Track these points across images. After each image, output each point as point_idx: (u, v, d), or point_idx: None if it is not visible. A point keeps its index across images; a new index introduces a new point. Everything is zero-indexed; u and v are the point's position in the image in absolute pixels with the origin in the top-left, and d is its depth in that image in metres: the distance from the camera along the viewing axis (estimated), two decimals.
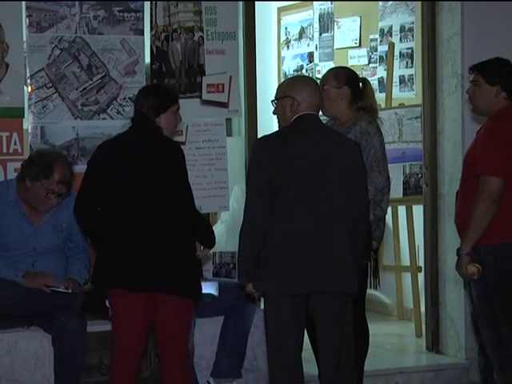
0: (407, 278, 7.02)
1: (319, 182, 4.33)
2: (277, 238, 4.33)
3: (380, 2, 6.99)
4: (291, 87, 4.47)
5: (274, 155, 4.35)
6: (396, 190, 6.01)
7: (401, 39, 6.87)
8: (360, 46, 7.34)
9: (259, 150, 4.41)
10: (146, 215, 4.49)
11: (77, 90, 5.60)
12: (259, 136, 5.84)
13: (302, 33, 7.87)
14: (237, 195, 6.01)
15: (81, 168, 5.31)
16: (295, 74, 7.86)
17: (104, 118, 5.66)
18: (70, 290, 5.05)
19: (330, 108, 5.05)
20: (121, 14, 5.65)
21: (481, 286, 4.76)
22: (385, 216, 5.15)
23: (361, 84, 5.25)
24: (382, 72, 7.07)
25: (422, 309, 6.52)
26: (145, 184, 4.50)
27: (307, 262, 4.31)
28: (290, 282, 4.33)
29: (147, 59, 5.75)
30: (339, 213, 4.34)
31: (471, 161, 4.77)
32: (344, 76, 5.16)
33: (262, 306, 5.46)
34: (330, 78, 5.11)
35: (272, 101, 4.54)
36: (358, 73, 5.45)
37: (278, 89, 4.59)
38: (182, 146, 4.90)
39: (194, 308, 4.67)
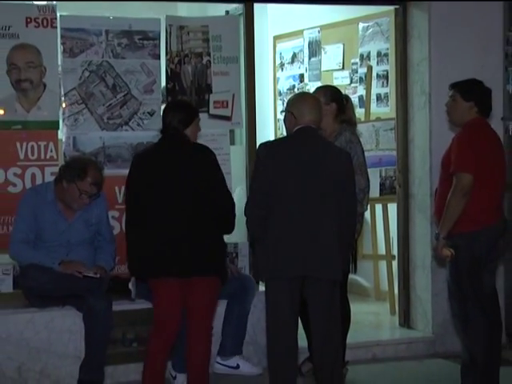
0: (383, 264, 6.99)
1: (312, 183, 4.33)
2: (275, 232, 4.34)
3: (360, 31, 6.97)
4: (293, 104, 4.49)
5: (274, 158, 4.38)
6: (374, 191, 5.99)
7: (377, 63, 6.84)
8: (343, 68, 7.29)
9: (263, 152, 4.44)
10: (184, 211, 4.45)
11: (103, 105, 5.59)
12: (257, 145, 5.88)
13: (294, 57, 7.84)
14: (239, 195, 6.00)
15: (107, 172, 5.35)
16: (289, 92, 7.84)
17: (126, 130, 5.64)
18: (98, 275, 5.05)
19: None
20: (141, 41, 5.64)
21: (454, 267, 4.80)
22: (363, 212, 5.17)
23: (344, 100, 5.26)
24: (361, 91, 7.04)
25: (396, 291, 6.49)
26: (185, 184, 4.46)
27: (300, 252, 4.32)
28: (286, 269, 4.34)
29: (163, 80, 5.74)
30: (329, 210, 4.34)
31: (447, 162, 4.81)
32: (331, 94, 5.16)
33: (261, 290, 5.51)
34: (319, 96, 5.06)
35: (281, 111, 4.56)
36: (341, 91, 5.46)
37: (286, 103, 4.61)
38: None
39: (220, 287, 4.63)
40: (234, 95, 5.82)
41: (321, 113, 4.52)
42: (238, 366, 5.37)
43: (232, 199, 4.70)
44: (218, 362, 5.34)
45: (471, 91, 4.82)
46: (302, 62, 7.73)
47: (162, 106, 5.70)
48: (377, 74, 6.88)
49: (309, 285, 4.37)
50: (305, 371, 5.24)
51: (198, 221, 4.46)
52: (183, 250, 4.44)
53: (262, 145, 4.56)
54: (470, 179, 4.65)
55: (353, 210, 4.49)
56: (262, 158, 4.41)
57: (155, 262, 4.50)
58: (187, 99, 5.64)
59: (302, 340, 4.85)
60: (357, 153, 5.01)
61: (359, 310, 6.02)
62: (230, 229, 4.72)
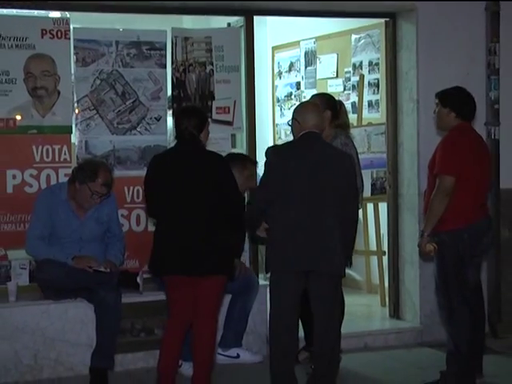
0: (374, 260, 7.01)
1: (316, 183, 4.36)
2: (280, 227, 4.39)
3: (352, 42, 6.98)
4: (297, 112, 4.56)
5: (282, 159, 4.45)
6: (365, 191, 5.97)
7: (369, 72, 6.84)
8: (337, 76, 7.27)
9: (272, 154, 4.53)
10: (195, 214, 4.43)
11: (113, 111, 5.59)
12: (257, 148, 5.91)
13: (291, 66, 7.83)
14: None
15: (116, 173, 5.38)
16: (286, 99, 7.86)
17: (135, 134, 5.64)
18: (108, 270, 5.05)
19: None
20: (148, 51, 5.64)
21: (440, 262, 4.82)
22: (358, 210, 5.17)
23: (338, 106, 5.27)
24: (354, 97, 7.03)
25: (386, 284, 6.51)
26: (197, 188, 4.44)
27: (305, 248, 4.35)
28: (291, 262, 4.38)
29: (169, 87, 5.74)
30: (332, 209, 4.36)
31: (432, 165, 4.83)
32: (325, 102, 5.15)
33: (261, 283, 5.52)
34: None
35: (288, 121, 4.61)
36: (335, 97, 5.46)
37: (293, 112, 4.64)
38: None
39: (227, 283, 4.64)
40: (235, 102, 5.83)
41: (322, 117, 4.57)
42: (238, 356, 5.38)
43: (243, 202, 4.71)
44: (219, 353, 5.32)
45: (447, 98, 4.86)
46: (299, 71, 7.72)
47: (169, 112, 5.74)
48: (368, 82, 6.87)
49: (312, 279, 4.40)
50: (301, 359, 5.25)
51: (207, 223, 4.44)
52: (193, 250, 4.43)
53: (270, 148, 4.66)
54: (451, 181, 4.67)
55: (355, 208, 4.53)
56: (271, 159, 4.47)
57: (166, 261, 4.50)
58: (197, 105, 5.65)
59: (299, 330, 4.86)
60: (351, 155, 5.01)
61: (352, 302, 6.02)
62: (242, 227, 4.74)
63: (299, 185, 4.37)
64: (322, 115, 4.59)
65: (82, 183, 5.04)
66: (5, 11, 5.36)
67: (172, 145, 4.74)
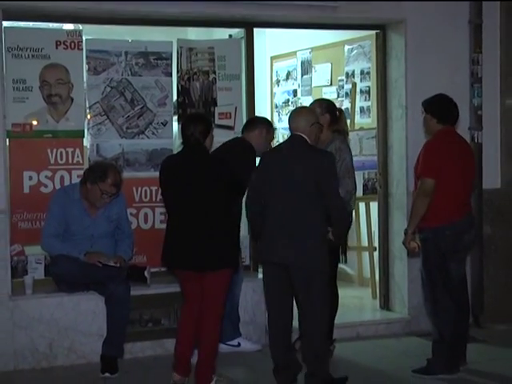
0: (366, 255, 7.01)
1: (292, 183, 4.34)
2: (267, 223, 4.42)
3: (345, 53, 6.98)
4: (289, 117, 4.56)
5: (265, 162, 4.52)
6: (358, 191, 5.99)
7: (361, 80, 6.83)
8: (331, 84, 7.26)
9: (260, 159, 4.62)
10: (202, 212, 4.44)
11: (123, 117, 5.60)
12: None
13: (288, 75, 7.82)
14: None
15: (125, 175, 5.37)
16: (284, 105, 7.85)
17: (142, 138, 5.65)
18: (118, 265, 5.07)
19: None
20: (155, 61, 5.65)
21: (425, 258, 4.84)
22: (352, 211, 5.15)
23: (338, 112, 5.24)
24: (347, 104, 7.02)
25: (377, 278, 6.52)
26: (204, 189, 4.45)
27: (283, 242, 4.36)
28: (270, 256, 4.43)
29: (174, 94, 5.75)
30: (309, 206, 4.34)
31: (417, 168, 4.85)
32: (326, 106, 5.15)
33: (259, 277, 5.52)
34: (315, 107, 5.07)
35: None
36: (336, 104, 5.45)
37: None
38: None
39: (232, 276, 4.65)
40: (236, 108, 5.83)
41: (308, 121, 4.45)
42: (239, 345, 5.38)
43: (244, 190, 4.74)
44: (221, 343, 5.29)
45: (429, 105, 4.90)
46: (296, 79, 7.71)
47: (174, 118, 5.76)
48: (360, 90, 6.87)
49: (291, 272, 4.38)
50: (298, 348, 5.27)
51: (212, 220, 4.45)
52: (199, 247, 4.44)
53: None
54: (431, 183, 4.70)
55: (337, 205, 4.40)
56: (258, 163, 4.51)
57: (175, 256, 4.52)
58: (202, 112, 5.65)
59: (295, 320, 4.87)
60: (345, 159, 4.99)
61: (345, 295, 6.02)
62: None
63: (278, 185, 4.37)
64: (309, 119, 4.44)
65: (93, 183, 5.05)
66: (22, 24, 5.37)
67: (179, 149, 4.74)
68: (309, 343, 4.46)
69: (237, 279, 5.31)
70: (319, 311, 4.39)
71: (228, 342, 5.36)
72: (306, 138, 4.42)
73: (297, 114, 4.52)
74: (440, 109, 4.87)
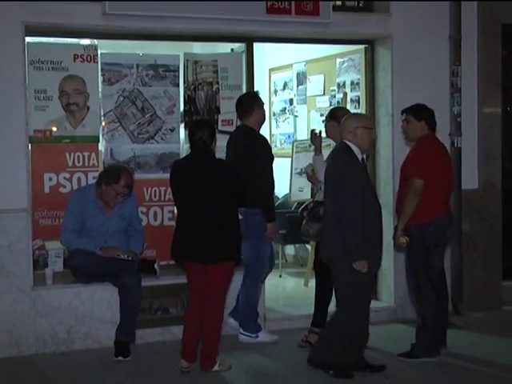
0: None
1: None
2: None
3: (337, 65, 7.00)
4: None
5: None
6: None
7: (351, 90, 6.81)
8: (324, 94, 7.26)
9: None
10: (208, 210, 4.48)
11: (134, 123, 5.60)
12: None
13: (285, 85, 7.84)
14: None
15: (137, 176, 5.40)
16: (281, 113, 7.87)
17: (152, 143, 5.65)
18: (130, 258, 5.08)
19: (335, 134, 4.96)
20: (164, 72, 5.65)
21: (409, 251, 4.86)
22: None
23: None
24: None
25: None
26: (210, 189, 4.48)
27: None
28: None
29: (181, 103, 5.76)
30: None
31: (404, 169, 4.87)
32: (340, 114, 4.97)
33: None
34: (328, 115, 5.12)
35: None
36: (322, 113, 5.44)
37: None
38: None
39: (235, 267, 4.69)
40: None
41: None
42: (257, 336, 5.28)
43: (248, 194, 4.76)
44: (240, 333, 5.28)
45: (421, 113, 4.90)
46: (292, 89, 7.72)
47: (181, 125, 5.78)
48: (351, 99, 6.83)
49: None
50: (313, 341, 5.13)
51: (217, 218, 4.48)
52: (204, 242, 4.47)
53: None
54: (421, 183, 4.72)
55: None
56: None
57: (182, 249, 4.56)
58: (207, 118, 5.66)
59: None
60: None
61: None
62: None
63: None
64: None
65: (108, 185, 5.07)
66: (43, 39, 5.40)
67: (186, 153, 4.78)
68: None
69: (247, 270, 5.23)
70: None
71: (247, 333, 5.27)
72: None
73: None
74: (431, 116, 4.91)
